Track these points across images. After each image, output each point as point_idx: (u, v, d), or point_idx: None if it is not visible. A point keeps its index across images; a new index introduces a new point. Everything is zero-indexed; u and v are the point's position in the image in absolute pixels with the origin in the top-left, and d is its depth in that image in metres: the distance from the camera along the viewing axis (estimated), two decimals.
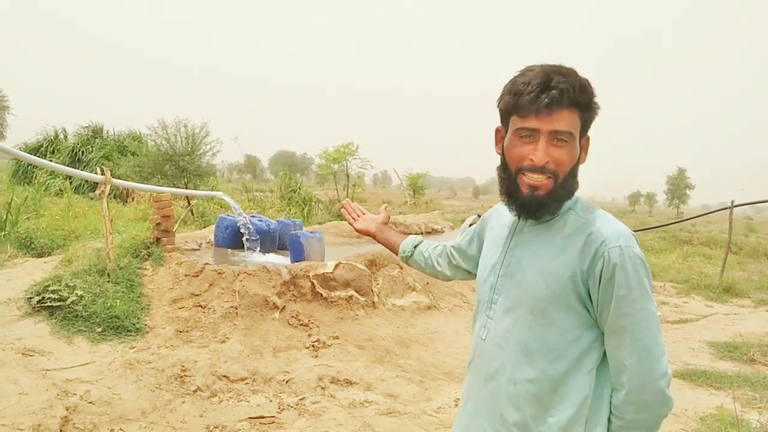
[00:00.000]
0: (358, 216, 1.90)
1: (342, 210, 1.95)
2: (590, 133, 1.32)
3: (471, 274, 1.66)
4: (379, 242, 1.86)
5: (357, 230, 1.87)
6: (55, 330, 4.13)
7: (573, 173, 1.27)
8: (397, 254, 1.82)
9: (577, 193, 1.32)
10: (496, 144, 1.37)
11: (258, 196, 16.01)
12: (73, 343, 4.04)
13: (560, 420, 1.23)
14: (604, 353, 1.27)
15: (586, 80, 1.24)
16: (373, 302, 5.72)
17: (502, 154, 1.33)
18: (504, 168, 1.32)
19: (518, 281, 1.31)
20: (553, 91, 1.18)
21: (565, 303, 1.24)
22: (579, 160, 1.29)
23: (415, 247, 1.79)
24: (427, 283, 6.75)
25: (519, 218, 1.35)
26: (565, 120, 1.21)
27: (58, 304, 4.29)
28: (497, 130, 1.36)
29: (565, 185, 1.26)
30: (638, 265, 1.19)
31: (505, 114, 1.30)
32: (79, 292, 4.39)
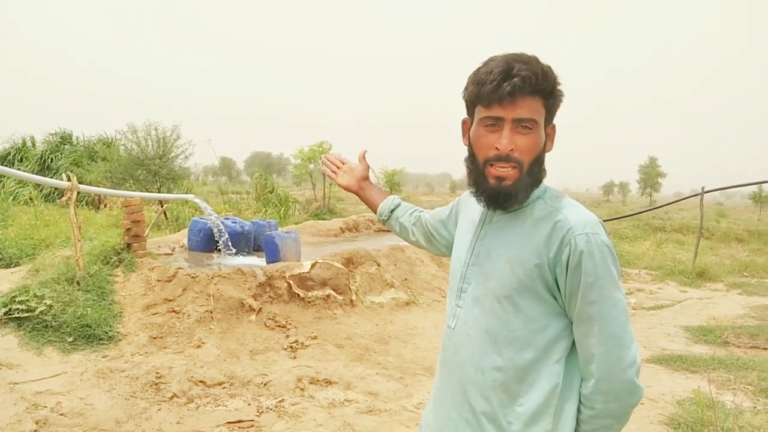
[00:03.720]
0: (339, 168, 1.85)
1: (322, 165, 1.91)
2: (556, 121, 1.31)
3: (443, 248, 1.67)
4: (360, 199, 1.85)
5: (340, 185, 1.84)
6: (24, 342, 4.02)
7: (539, 161, 1.26)
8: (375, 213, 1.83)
9: (551, 184, 1.32)
10: (463, 135, 1.37)
11: (234, 198, 15.85)
12: (42, 355, 3.94)
13: (528, 409, 1.22)
14: (574, 343, 1.26)
15: (548, 67, 1.23)
16: (351, 300, 5.69)
17: (470, 145, 1.32)
18: (472, 159, 1.31)
19: (486, 270, 1.30)
20: (515, 79, 1.18)
21: (532, 291, 1.23)
22: (545, 148, 1.28)
23: (392, 211, 1.78)
24: (405, 279, 6.74)
25: (488, 209, 1.34)
26: (528, 107, 1.21)
27: (26, 314, 4.17)
28: (464, 122, 1.36)
29: (531, 173, 1.25)
30: (605, 252, 1.18)
31: (470, 104, 1.30)
32: (48, 302, 4.28)
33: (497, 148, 1.22)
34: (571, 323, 1.24)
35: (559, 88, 1.25)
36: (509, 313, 1.24)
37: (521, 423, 1.22)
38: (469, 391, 1.29)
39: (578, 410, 1.25)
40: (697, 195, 10.64)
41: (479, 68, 1.26)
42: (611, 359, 1.17)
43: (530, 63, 1.20)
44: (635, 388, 1.19)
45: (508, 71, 1.19)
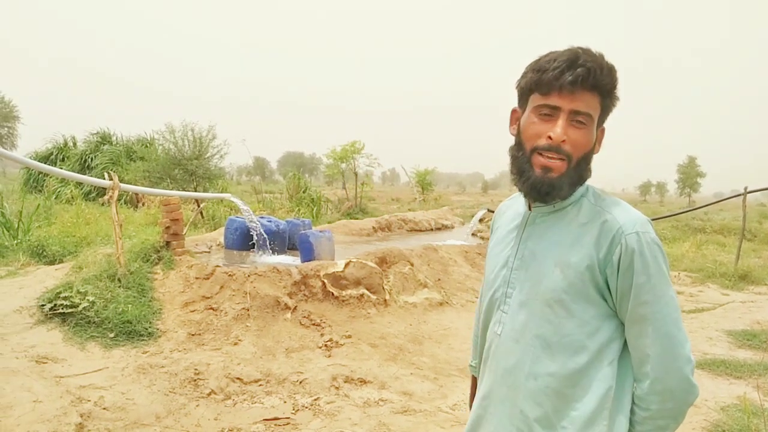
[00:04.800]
0: None
1: None
2: (605, 125, 1.29)
3: None
4: None
5: None
6: (68, 337, 4.13)
7: (586, 159, 1.24)
8: None
9: (588, 183, 1.29)
10: (511, 124, 1.34)
11: (267, 198, 16.04)
12: (86, 350, 4.04)
13: (583, 413, 1.20)
14: (625, 343, 1.24)
15: (613, 66, 1.21)
16: (385, 300, 5.69)
17: (518, 134, 1.29)
18: (518, 147, 1.28)
19: (533, 273, 1.28)
20: (579, 69, 1.16)
21: (584, 294, 1.20)
22: (594, 149, 1.26)
23: (475, 366, 1.68)
24: (439, 280, 6.70)
25: (528, 205, 1.32)
26: (587, 101, 1.19)
27: (70, 310, 4.29)
28: (513, 111, 1.34)
29: (578, 169, 1.22)
30: (656, 251, 1.16)
31: (526, 92, 1.27)
32: (91, 298, 4.40)
33: (550, 137, 1.19)
34: (622, 324, 1.22)
35: (617, 91, 1.23)
36: (561, 317, 1.22)
37: (576, 427, 1.20)
38: (520, 397, 1.26)
39: (631, 411, 1.23)
40: (739, 195, 10.34)
41: (540, 57, 1.23)
42: (667, 358, 1.15)
43: (596, 57, 1.19)
44: (691, 386, 1.17)
45: (573, 60, 1.17)
